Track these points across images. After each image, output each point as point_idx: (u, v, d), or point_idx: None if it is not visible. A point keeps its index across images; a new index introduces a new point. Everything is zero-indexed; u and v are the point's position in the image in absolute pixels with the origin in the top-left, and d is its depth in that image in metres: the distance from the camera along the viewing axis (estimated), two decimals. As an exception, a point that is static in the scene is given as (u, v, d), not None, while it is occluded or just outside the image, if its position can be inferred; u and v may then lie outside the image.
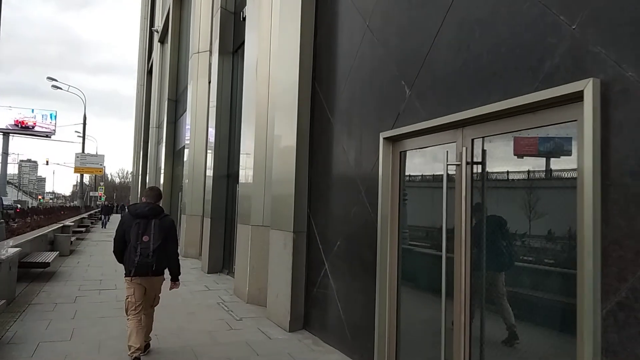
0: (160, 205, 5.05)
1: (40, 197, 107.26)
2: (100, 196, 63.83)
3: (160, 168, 24.61)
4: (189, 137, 15.00)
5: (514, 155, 3.29)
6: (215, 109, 11.52)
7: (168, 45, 23.24)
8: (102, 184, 76.08)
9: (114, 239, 4.86)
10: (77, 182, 64.82)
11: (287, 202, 6.35)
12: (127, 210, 5.20)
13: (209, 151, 12.06)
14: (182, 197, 16.95)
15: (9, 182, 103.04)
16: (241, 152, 8.76)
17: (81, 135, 48.71)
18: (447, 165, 3.64)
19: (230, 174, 11.33)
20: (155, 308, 5.20)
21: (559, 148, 2.96)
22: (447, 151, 3.71)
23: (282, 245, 6.41)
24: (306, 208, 6.33)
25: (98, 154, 39.47)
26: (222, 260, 11.34)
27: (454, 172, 3.64)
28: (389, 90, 4.65)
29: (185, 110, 19.12)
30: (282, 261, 6.39)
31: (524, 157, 3.24)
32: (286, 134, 6.57)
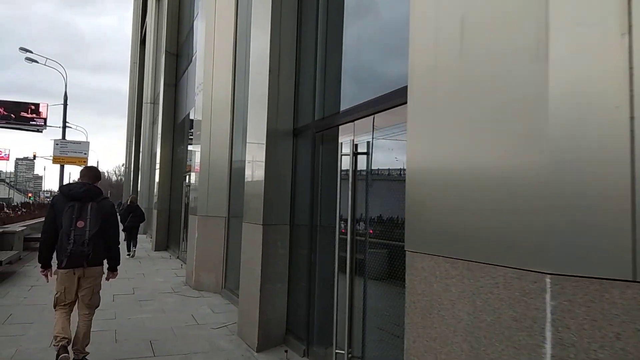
0: (98, 186, 4.39)
1: (30, 194, 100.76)
2: (92, 193, 57.51)
3: (155, 153, 18.52)
4: (200, 86, 8.85)
5: None
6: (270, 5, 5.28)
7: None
8: (94, 180, 70.02)
9: (43, 227, 4.22)
10: (70, 178, 58.57)
11: None
12: (59, 191, 4.28)
13: (254, 94, 5.86)
14: (190, 188, 10.82)
15: (1, 180, 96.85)
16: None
17: (69, 124, 42.54)
18: None
19: (303, 131, 5.15)
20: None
21: None
22: None
23: None
24: None
25: (83, 141, 33.16)
26: (286, 316, 5.16)
27: None
28: None
29: (189, 64, 13.00)
30: None
31: None
32: None
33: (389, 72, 3.92)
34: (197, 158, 9.03)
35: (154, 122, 21.41)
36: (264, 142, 5.08)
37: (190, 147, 12.69)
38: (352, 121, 4.08)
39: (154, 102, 21.47)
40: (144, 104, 23.20)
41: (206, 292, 8.01)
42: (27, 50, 30.08)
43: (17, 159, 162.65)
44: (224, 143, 8.27)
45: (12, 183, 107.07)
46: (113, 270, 4.53)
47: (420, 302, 2.36)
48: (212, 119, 8.44)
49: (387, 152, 3.80)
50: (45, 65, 30.94)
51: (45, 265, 4.28)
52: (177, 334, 5.46)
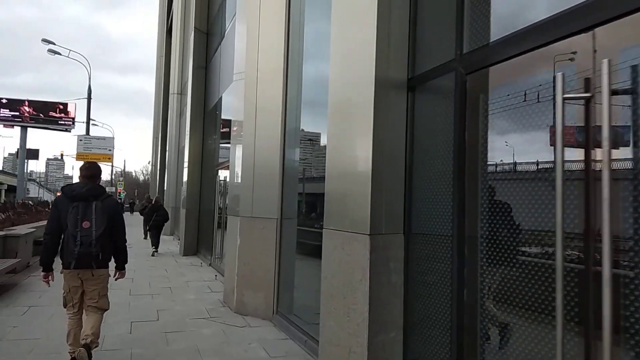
0: (101, 184, 4.36)
1: (58, 193, 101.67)
2: (119, 192, 56.74)
3: (183, 147, 16.77)
4: (241, 74, 6.85)
5: None
6: None
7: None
8: (121, 179, 69.73)
9: (46, 228, 4.05)
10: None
11: None
12: (62, 191, 4.22)
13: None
14: (226, 184, 8.94)
15: (32, 180, 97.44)
16: None
17: (95, 121, 41.48)
18: None
19: (427, 79, 3.11)
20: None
21: None
22: None
23: None
24: None
25: (107, 137, 31.84)
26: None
27: None
28: None
29: (222, 41, 11.14)
30: None
31: None
32: None
33: None
34: (238, 148, 7.08)
35: (181, 113, 19.71)
36: (371, 99, 3.04)
37: (223, 144, 10.87)
38: (591, 27, 2.02)
39: (181, 92, 19.80)
40: (170, 95, 21.50)
41: (252, 319, 6.05)
42: (49, 42, 28.90)
43: (47, 159, 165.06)
44: (274, 119, 6.29)
45: (42, 183, 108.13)
46: (121, 269, 4.41)
47: None
48: (258, 87, 6.46)
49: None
50: (68, 57, 29.77)
51: (47, 269, 4.09)
52: (223, 405, 3.49)
